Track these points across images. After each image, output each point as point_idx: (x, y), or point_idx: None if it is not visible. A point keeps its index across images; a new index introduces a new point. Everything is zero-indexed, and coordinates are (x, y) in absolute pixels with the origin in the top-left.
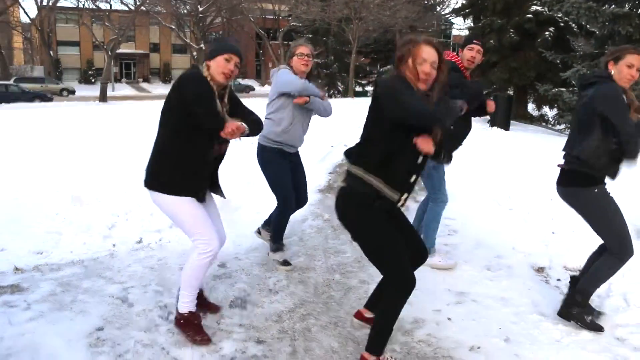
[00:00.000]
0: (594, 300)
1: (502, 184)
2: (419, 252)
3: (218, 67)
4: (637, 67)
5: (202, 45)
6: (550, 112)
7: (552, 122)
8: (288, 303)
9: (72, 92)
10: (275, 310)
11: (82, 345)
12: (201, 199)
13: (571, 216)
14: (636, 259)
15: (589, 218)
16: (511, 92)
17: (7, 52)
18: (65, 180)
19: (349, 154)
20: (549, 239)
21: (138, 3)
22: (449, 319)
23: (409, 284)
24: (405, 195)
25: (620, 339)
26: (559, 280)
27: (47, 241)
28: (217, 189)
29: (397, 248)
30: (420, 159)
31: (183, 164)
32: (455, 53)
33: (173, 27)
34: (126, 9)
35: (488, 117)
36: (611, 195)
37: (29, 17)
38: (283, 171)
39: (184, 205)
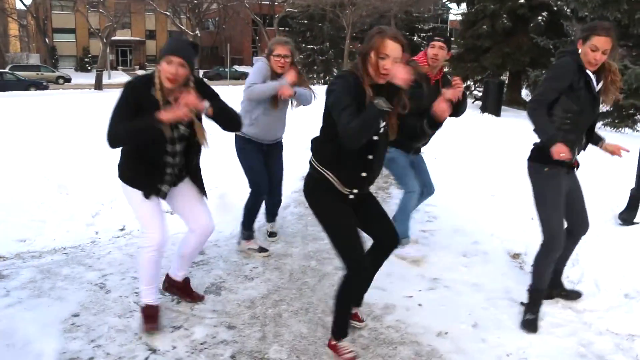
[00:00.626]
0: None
1: (487, 170)
2: (389, 238)
3: (163, 72)
4: (602, 50)
5: (197, 32)
6: None
7: None
8: (262, 289)
9: (68, 80)
10: (248, 297)
11: (56, 331)
12: (159, 195)
13: None
14: (610, 243)
15: (533, 196)
16: (505, 78)
17: (2, 39)
18: (53, 169)
19: (311, 143)
20: (528, 225)
21: None
22: (420, 304)
23: (357, 266)
24: (355, 190)
25: (587, 323)
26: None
27: (31, 229)
28: (198, 183)
29: (346, 231)
30: (371, 156)
31: (135, 161)
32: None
33: (168, 13)
34: None
35: (479, 103)
36: (565, 185)
37: (24, 4)
38: (253, 157)
39: (136, 197)
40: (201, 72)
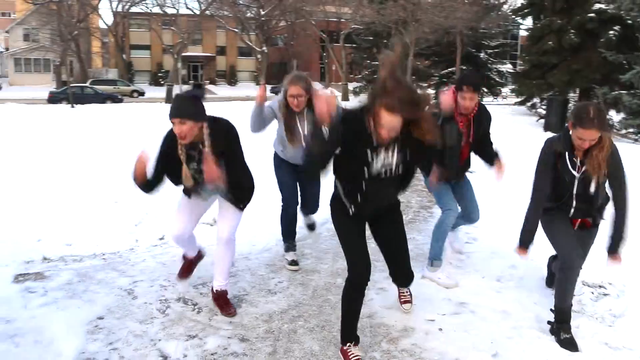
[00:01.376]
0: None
1: None
2: (402, 276)
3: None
4: (588, 141)
5: (264, 48)
6: (616, 116)
7: (617, 127)
8: (283, 304)
9: (142, 93)
10: (268, 311)
11: (81, 332)
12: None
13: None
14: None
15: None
16: (575, 95)
17: (86, 56)
18: (108, 177)
19: None
20: None
21: (203, 7)
22: (440, 329)
23: (357, 279)
24: (352, 208)
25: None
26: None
27: (78, 234)
28: (233, 196)
29: (352, 247)
30: (364, 184)
31: None
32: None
33: (237, 30)
34: (192, 13)
35: (542, 121)
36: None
37: (105, 23)
38: (284, 174)
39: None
40: (268, 88)
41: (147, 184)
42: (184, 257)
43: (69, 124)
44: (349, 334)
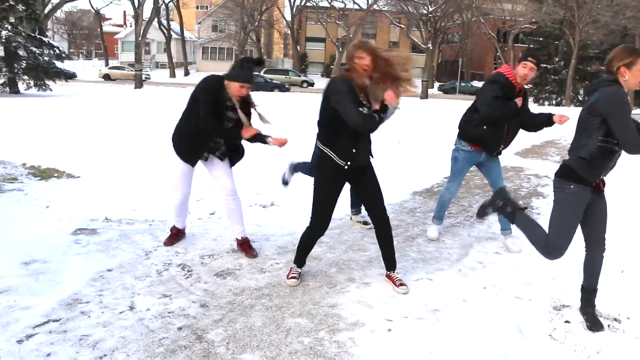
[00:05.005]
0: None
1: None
2: (378, 212)
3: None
4: None
5: (429, 45)
6: None
7: None
8: (262, 283)
9: (312, 84)
10: (245, 286)
11: (86, 279)
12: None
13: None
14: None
15: (552, 207)
16: None
17: (267, 47)
18: None
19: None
20: (618, 279)
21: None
22: (389, 330)
23: (315, 234)
24: (349, 163)
25: None
26: (567, 322)
27: (144, 202)
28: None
29: (326, 207)
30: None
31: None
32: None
33: (402, 26)
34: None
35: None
36: (588, 202)
37: (283, 16)
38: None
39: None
40: (436, 85)
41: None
42: (174, 228)
43: None
44: (298, 259)
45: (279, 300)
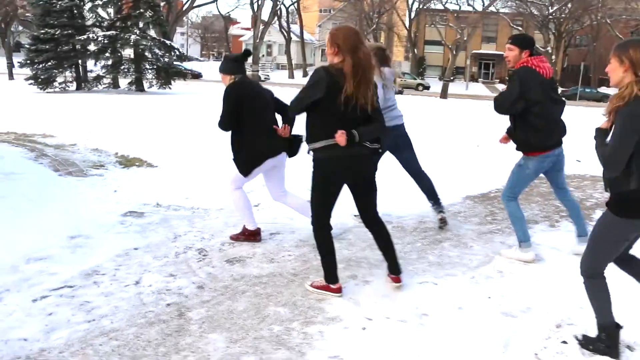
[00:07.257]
0: None
1: None
2: (369, 218)
3: None
4: None
5: (548, 48)
6: None
7: None
8: (265, 272)
9: (427, 87)
10: (248, 273)
11: (113, 254)
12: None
13: None
14: None
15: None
16: None
17: (389, 49)
18: None
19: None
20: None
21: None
22: (364, 328)
23: (317, 228)
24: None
25: None
26: (564, 342)
27: (197, 191)
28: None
29: (324, 202)
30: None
31: None
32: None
33: (521, 29)
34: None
35: None
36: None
37: (401, 19)
38: None
39: None
40: (560, 90)
41: None
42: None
43: None
44: (330, 275)
45: (271, 289)
